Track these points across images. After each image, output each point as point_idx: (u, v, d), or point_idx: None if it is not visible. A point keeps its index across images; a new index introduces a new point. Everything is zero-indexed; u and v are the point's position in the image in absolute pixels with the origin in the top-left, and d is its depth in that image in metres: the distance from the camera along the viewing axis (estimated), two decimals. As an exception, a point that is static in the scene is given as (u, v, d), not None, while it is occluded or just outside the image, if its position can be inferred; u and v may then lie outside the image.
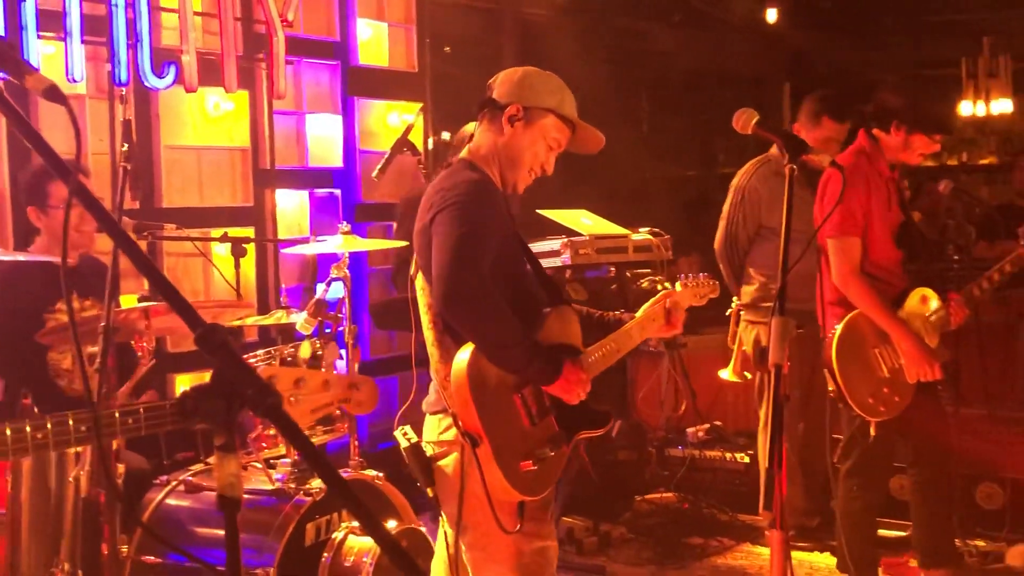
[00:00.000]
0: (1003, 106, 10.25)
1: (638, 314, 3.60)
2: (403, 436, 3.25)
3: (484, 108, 3.43)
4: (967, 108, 10.36)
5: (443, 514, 3.29)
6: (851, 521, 4.99)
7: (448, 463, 3.24)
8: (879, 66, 11.09)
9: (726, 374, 6.02)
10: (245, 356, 4.16)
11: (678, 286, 3.71)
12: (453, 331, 3.21)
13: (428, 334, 3.29)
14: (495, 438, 3.12)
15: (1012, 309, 6.74)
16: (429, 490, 3.26)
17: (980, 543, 5.60)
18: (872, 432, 4.80)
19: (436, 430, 3.30)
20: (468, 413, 3.12)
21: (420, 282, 3.30)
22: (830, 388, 4.69)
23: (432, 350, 3.26)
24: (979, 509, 5.69)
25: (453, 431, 3.21)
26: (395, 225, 6.32)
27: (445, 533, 3.36)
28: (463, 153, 3.43)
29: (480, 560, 3.29)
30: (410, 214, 6.03)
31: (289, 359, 4.12)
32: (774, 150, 5.80)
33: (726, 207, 5.87)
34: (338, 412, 4.12)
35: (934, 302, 4.81)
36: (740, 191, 5.80)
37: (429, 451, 3.26)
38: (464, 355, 3.14)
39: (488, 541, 3.25)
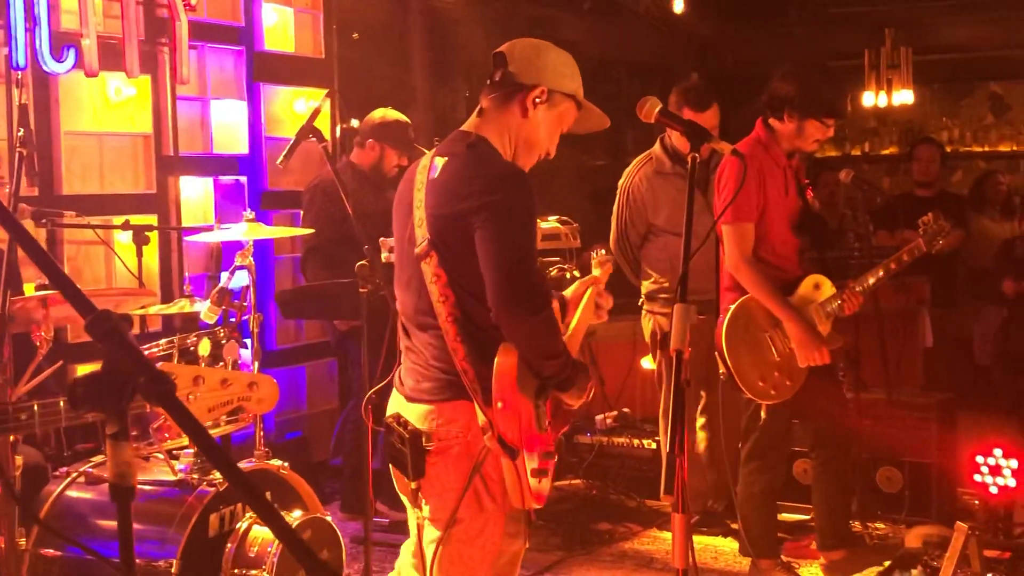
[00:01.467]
0: (904, 97, 10.42)
1: (568, 295, 3.49)
2: (400, 425, 3.09)
3: (501, 84, 3.21)
4: (869, 99, 10.52)
5: (425, 507, 3.14)
6: (751, 505, 5.08)
7: (448, 457, 3.08)
8: (784, 57, 11.21)
9: (648, 363, 6.10)
10: (147, 346, 4.10)
11: (596, 270, 3.54)
12: (477, 328, 3.05)
13: (446, 326, 3.05)
14: (527, 448, 3.03)
15: (912, 296, 6.89)
16: (414, 483, 3.09)
17: (880, 525, 5.72)
18: (762, 415, 4.90)
19: (432, 422, 3.10)
20: (510, 423, 2.99)
21: (431, 267, 3.07)
22: (721, 371, 4.78)
23: (454, 345, 3.04)
24: (879, 492, 5.81)
25: (456, 425, 3.07)
26: (302, 213, 6.27)
27: (421, 528, 3.22)
28: (470, 126, 3.23)
29: (460, 554, 3.15)
30: (317, 201, 6.03)
31: (192, 348, 4.07)
32: (656, 148, 5.86)
33: (615, 207, 5.94)
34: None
35: (827, 289, 4.91)
36: (625, 192, 5.87)
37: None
38: (508, 362, 2.99)
39: (475, 537, 3.12)
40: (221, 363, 4.05)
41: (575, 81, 3.28)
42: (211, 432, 4.00)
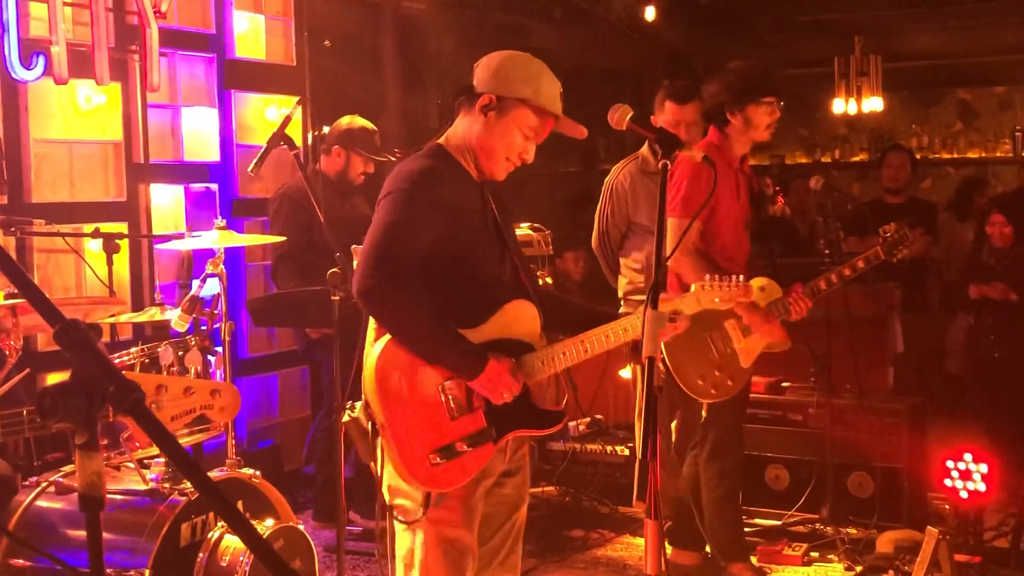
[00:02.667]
0: (874, 104, 10.49)
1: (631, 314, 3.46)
2: (348, 410, 3.26)
3: (463, 94, 3.37)
4: (839, 106, 10.60)
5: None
6: (715, 510, 5.13)
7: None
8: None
9: (627, 373, 6.09)
10: (117, 354, 4.08)
11: (693, 287, 3.42)
12: None
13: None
14: (399, 429, 3.15)
15: (882, 302, 6.93)
16: (372, 464, 3.27)
17: (852, 530, 5.75)
18: (703, 414, 4.94)
19: None
20: (375, 401, 3.16)
21: None
22: (660, 369, 4.81)
23: (370, 333, 3.30)
24: (850, 497, 5.84)
25: None
26: (269, 221, 6.25)
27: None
28: (440, 138, 3.39)
29: (401, 530, 3.32)
30: (284, 210, 6.02)
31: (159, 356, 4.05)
32: (644, 149, 5.86)
33: (599, 205, 5.93)
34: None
35: (773, 292, 4.92)
36: (610, 189, 5.85)
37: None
38: (378, 345, 3.18)
39: (405, 517, 3.28)
40: (191, 371, 4.03)
41: (529, 87, 3.31)
42: (182, 441, 3.98)
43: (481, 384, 3.21)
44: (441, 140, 3.39)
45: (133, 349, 4.13)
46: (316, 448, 6.24)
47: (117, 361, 4.00)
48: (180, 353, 4.03)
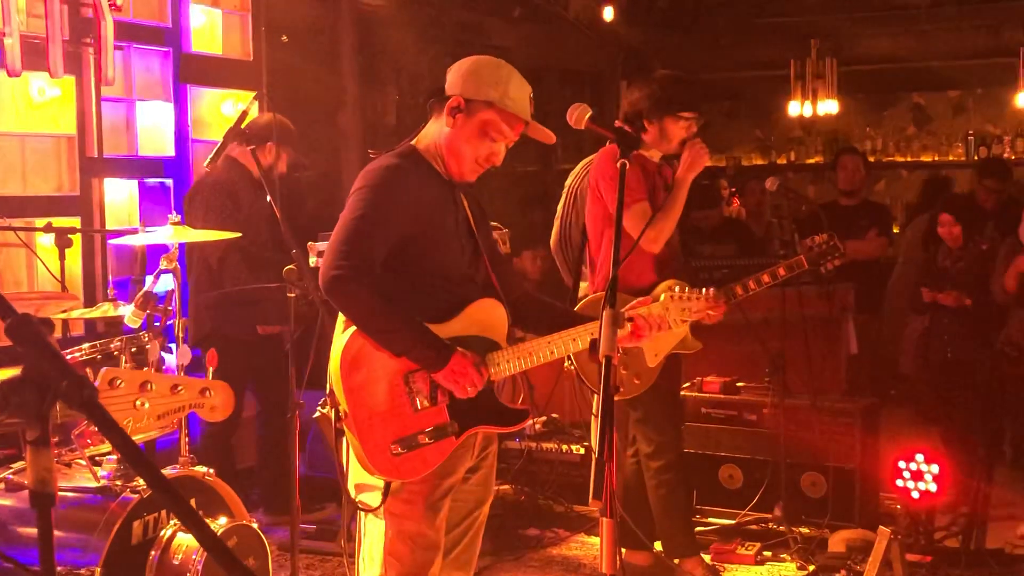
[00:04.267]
0: (829, 107, 10.57)
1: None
2: (321, 407, 3.31)
3: (435, 96, 3.43)
4: (795, 108, 10.66)
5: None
6: (660, 506, 5.15)
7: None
8: (712, 66, 11.34)
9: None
10: (69, 350, 4.03)
11: (663, 297, 3.60)
12: None
13: None
14: (362, 418, 3.19)
15: (835, 303, 6.97)
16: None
17: (804, 530, 5.78)
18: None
19: None
20: (339, 390, 3.21)
21: None
22: (566, 365, 4.88)
23: (339, 323, 3.35)
24: (803, 497, 5.87)
25: None
26: (202, 211, 6.06)
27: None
28: (413, 140, 3.45)
29: (368, 525, 3.38)
30: (219, 199, 5.91)
31: (115, 352, 4.01)
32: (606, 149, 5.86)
33: (560, 207, 5.90)
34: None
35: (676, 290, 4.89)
36: (572, 193, 5.81)
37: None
38: (346, 334, 3.23)
39: (367, 508, 3.33)
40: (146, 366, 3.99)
41: (497, 90, 3.35)
42: (134, 438, 3.94)
43: (445, 377, 3.24)
44: (414, 141, 3.43)
45: (85, 345, 4.09)
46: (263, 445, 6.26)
47: (71, 357, 3.96)
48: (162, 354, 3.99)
